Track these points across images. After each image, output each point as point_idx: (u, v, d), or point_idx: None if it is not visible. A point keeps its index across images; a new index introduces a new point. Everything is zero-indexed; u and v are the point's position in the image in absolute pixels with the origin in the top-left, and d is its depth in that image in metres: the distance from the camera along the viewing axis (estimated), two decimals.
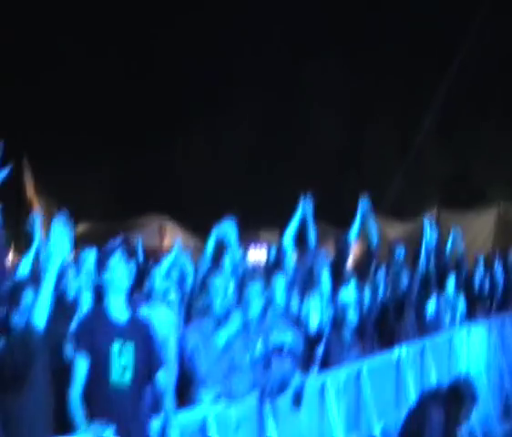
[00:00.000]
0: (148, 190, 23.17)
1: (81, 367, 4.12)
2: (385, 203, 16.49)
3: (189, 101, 23.78)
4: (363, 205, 7.87)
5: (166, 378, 4.34)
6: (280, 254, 7.57)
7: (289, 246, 7.50)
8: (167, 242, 19.87)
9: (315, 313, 6.67)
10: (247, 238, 13.00)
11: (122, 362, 4.13)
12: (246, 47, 22.99)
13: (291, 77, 23.13)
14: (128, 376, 4.13)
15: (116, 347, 4.12)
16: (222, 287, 4.88)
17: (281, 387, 5.01)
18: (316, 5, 22.49)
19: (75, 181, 20.91)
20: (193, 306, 5.64)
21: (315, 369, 6.10)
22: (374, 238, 7.81)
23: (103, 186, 22.62)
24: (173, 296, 5.80)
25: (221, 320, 4.85)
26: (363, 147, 22.62)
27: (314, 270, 7.21)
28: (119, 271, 4.22)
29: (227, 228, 5.94)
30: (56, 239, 4.21)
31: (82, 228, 19.61)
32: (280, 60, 22.72)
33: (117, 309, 4.22)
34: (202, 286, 5.03)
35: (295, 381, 5.02)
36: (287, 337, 5.12)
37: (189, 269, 6.97)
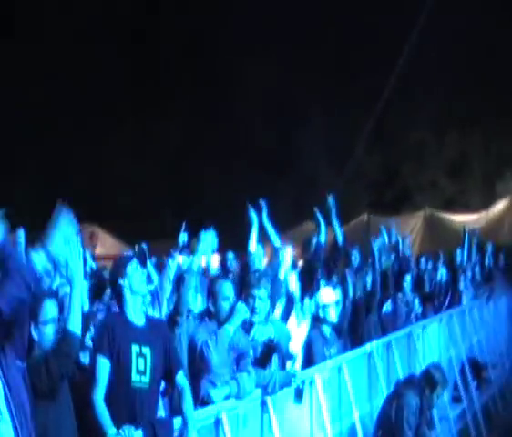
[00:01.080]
0: (77, 198, 22.73)
1: (103, 369, 4.27)
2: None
3: (116, 109, 23.51)
4: (330, 204, 8.30)
5: (185, 379, 4.54)
6: (249, 259, 7.90)
7: (257, 252, 7.86)
8: (98, 250, 19.72)
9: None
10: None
11: (140, 366, 4.31)
12: (177, 46, 22.93)
13: (221, 77, 23.14)
14: (146, 379, 4.32)
15: (134, 351, 4.31)
16: (231, 292, 5.18)
17: (282, 385, 5.37)
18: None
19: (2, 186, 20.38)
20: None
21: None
22: (340, 235, 8.24)
23: (31, 192, 22.11)
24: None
25: (224, 321, 5.05)
26: (294, 149, 23.01)
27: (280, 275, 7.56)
28: (136, 277, 4.46)
29: (212, 240, 6.16)
30: (74, 255, 4.42)
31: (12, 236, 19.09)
32: (211, 61, 22.75)
33: (135, 314, 4.43)
34: (210, 291, 5.28)
35: (296, 379, 5.44)
36: (269, 332, 5.39)
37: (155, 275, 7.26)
